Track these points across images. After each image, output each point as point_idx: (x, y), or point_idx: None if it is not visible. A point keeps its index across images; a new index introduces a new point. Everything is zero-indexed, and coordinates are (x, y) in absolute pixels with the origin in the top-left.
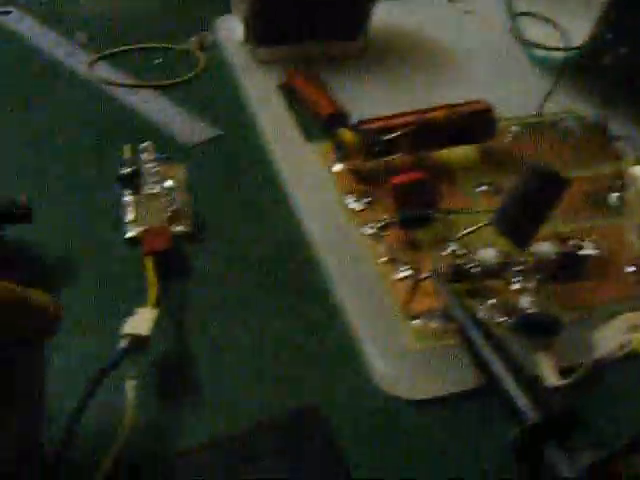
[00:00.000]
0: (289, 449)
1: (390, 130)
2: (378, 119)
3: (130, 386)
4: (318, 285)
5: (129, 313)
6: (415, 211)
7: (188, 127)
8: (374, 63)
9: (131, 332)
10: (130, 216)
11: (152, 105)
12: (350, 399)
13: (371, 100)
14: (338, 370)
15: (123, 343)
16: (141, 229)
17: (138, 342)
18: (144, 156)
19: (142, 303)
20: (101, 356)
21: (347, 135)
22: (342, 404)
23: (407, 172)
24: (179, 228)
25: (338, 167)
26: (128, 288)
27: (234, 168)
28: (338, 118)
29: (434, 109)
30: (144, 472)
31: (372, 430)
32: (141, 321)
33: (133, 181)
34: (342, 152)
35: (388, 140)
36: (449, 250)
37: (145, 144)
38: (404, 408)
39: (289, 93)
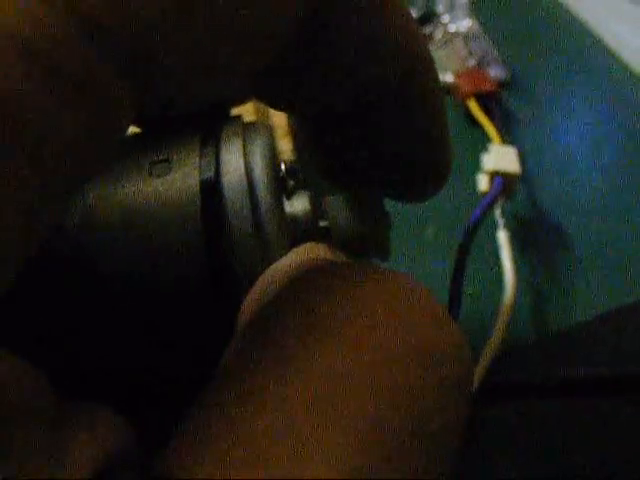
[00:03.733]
0: None
1: None
2: None
3: (504, 238)
4: None
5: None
6: None
7: None
8: None
9: (500, 170)
10: None
11: None
12: None
13: None
14: None
15: (495, 182)
16: (448, 74)
17: (509, 181)
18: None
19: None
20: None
21: None
22: None
23: None
24: (493, 73)
25: None
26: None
27: (527, 17)
28: None
29: None
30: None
31: None
32: (503, 158)
33: (423, 24)
34: None
35: None
36: None
37: None
38: None
39: None
